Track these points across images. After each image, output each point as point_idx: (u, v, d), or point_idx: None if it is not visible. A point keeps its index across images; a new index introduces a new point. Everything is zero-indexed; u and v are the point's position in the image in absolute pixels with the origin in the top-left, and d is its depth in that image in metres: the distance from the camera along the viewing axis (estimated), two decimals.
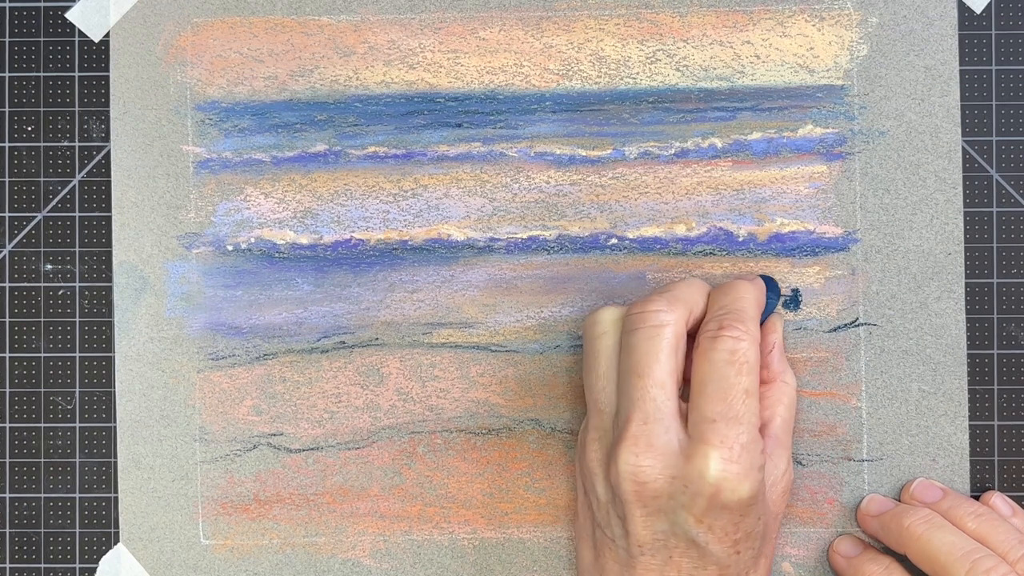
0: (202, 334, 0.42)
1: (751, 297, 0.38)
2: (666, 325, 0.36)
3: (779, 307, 0.41)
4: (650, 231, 0.42)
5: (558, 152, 0.42)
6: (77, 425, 0.42)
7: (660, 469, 0.35)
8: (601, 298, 0.42)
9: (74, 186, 0.42)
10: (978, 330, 0.42)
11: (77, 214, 0.42)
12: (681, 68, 0.42)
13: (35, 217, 0.42)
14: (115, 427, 0.42)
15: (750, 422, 0.35)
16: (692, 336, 0.38)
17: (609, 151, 0.42)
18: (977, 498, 0.41)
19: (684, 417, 0.36)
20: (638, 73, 0.42)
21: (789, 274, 0.42)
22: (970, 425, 0.42)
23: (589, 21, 0.42)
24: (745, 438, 0.35)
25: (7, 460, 0.42)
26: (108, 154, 0.42)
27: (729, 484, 0.34)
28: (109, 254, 0.42)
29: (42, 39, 0.43)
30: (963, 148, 0.42)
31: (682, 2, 0.42)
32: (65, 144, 0.42)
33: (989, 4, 0.42)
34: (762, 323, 0.39)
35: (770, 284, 0.41)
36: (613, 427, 0.36)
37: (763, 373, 0.39)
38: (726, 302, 0.37)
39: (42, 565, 0.42)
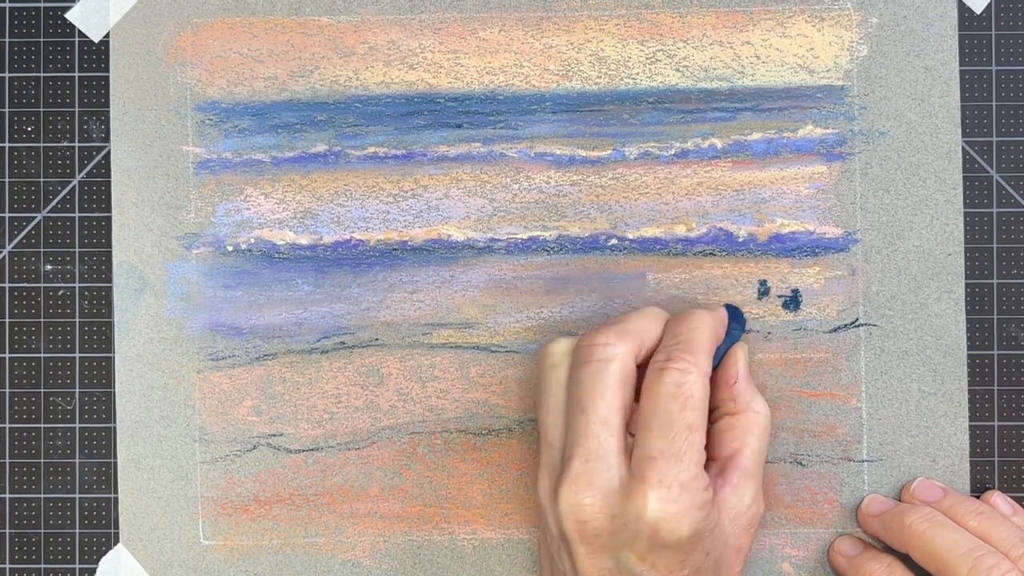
0: (202, 334, 0.42)
1: (705, 327, 0.37)
2: (613, 359, 0.35)
3: (744, 336, 0.40)
4: (650, 231, 0.42)
5: (558, 152, 0.42)
6: (77, 425, 0.42)
7: (600, 508, 0.34)
8: (601, 298, 0.42)
9: (74, 186, 0.42)
10: (978, 330, 0.42)
11: (77, 214, 0.42)
12: (681, 68, 0.42)
13: (35, 217, 0.42)
14: (115, 427, 0.42)
15: (692, 459, 0.34)
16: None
17: (609, 151, 0.42)
18: (977, 498, 0.41)
19: (631, 452, 0.35)
20: (638, 73, 0.42)
21: (789, 274, 0.42)
22: (970, 425, 0.42)
23: (589, 21, 0.42)
24: (685, 476, 0.34)
25: (7, 460, 0.42)
26: (108, 154, 0.42)
27: (667, 524, 0.34)
28: (109, 254, 0.42)
29: (42, 39, 0.43)
30: (963, 148, 0.42)
31: (682, 2, 0.42)
32: (65, 144, 0.42)
33: (989, 4, 0.42)
34: (725, 353, 0.39)
35: (735, 314, 0.40)
36: (560, 464, 0.36)
37: (730, 405, 0.38)
38: (679, 331, 0.37)
39: (42, 565, 0.42)
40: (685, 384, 0.35)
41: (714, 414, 0.39)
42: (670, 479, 0.34)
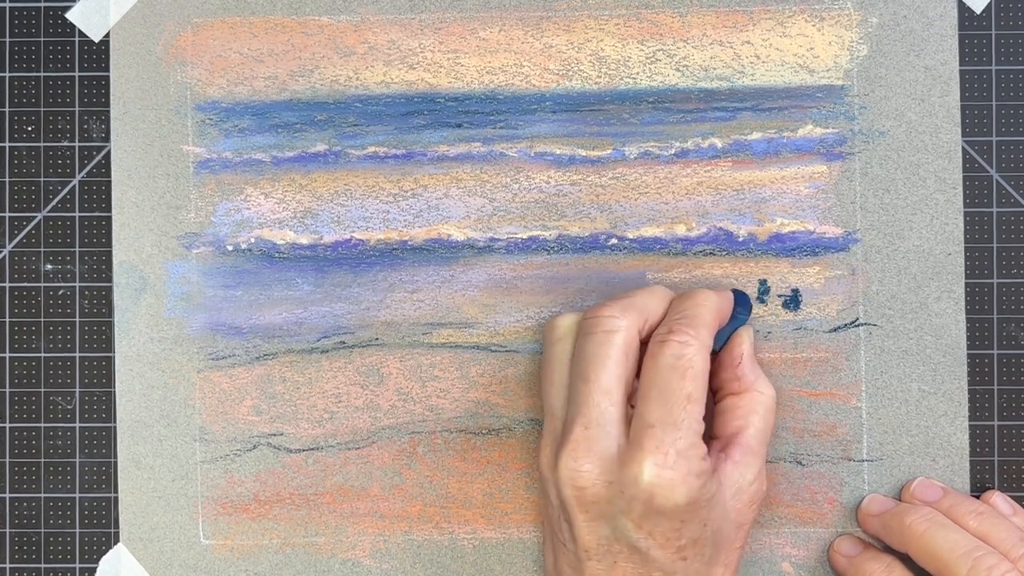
0: (202, 334, 0.42)
1: (710, 305, 0.37)
2: (617, 331, 0.36)
3: (750, 321, 0.40)
4: (650, 231, 0.42)
5: (558, 152, 0.42)
6: (77, 425, 0.42)
7: (598, 474, 0.35)
8: (601, 298, 0.42)
9: (74, 186, 0.42)
10: (978, 330, 0.42)
11: (77, 214, 0.42)
12: (681, 68, 0.42)
13: (35, 217, 0.42)
14: (115, 427, 0.42)
15: (690, 428, 0.35)
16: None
17: (609, 151, 0.42)
18: (977, 498, 0.41)
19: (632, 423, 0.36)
20: (638, 73, 0.42)
21: (789, 274, 0.42)
22: (970, 425, 0.42)
23: (589, 21, 0.42)
24: (682, 444, 0.34)
25: (7, 460, 0.42)
26: (108, 154, 0.42)
27: (663, 490, 0.34)
28: (109, 254, 0.42)
29: (42, 39, 0.43)
30: (963, 148, 0.42)
31: (682, 2, 0.42)
32: (65, 144, 0.42)
33: (989, 4, 0.42)
34: (730, 336, 0.39)
35: (741, 299, 0.40)
36: (561, 432, 0.36)
37: (734, 384, 0.39)
38: (683, 307, 0.37)
39: (42, 565, 0.42)
40: (685, 356, 0.35)
41: (719, 394, 0.39)
42: (667, 446, 0.34)
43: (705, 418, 0.36)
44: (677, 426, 0.35)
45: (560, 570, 0.37)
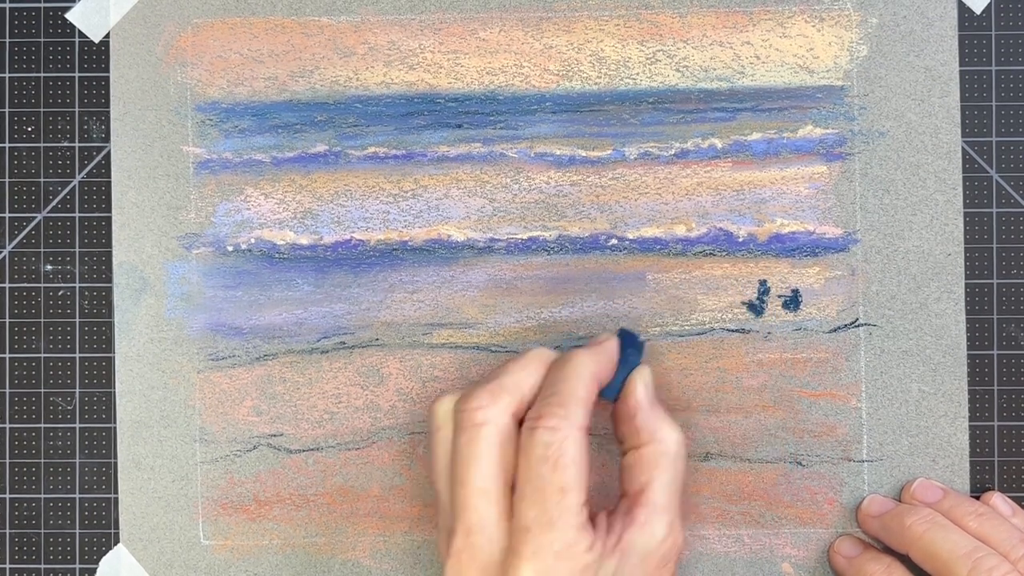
0: (202, 334, 0.42)
1: (582, 372, 0.35)
2: (486, 424, 0.34)
3: (644, 360, 0.39)
4: (650, 232, 0.42)
5: (558, 153, 0.42)
6: (77, 425, 0.42)
7: None
8: (601, 298, 0.42)
9: (74, 186, 0.42)
10: (978, 330, 0.42)
11: (77, 214, 0.42)
12: (681, 69, 0.42)
13: (35, 217, 0.42)
14: (115, 427, 0.42)
15: (567, 524, 0.33)
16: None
17: (609, 152, 0.42)
18: (977, 498, 0.41)
19: None
20: (638, 74, 0.42)
21: (789, 275, 0.42)
22: (970, 425, 0.42)
23: (589, 22, 0.42)
24: (559, 545, 0.33)
25: (7, 460, 0.42)
26: (108, 154, 0.42)
27: None
28: (109, 254, 0.42)
29: (42, 39, 0.43)
30: (963, 148, 0.42)
31: (682, 2, 0.42)
32: (65, 144, 0.42)
33: (989, 4, 0.42)
34: (623, 384, 0.37)
35: (629, 340, 0.38)
36: (446, 536, 0.35)
37: (634, 438, 0.36)
38: (554, 381, 0.35)
39: (42, 565, 0.42)
40: (554, 443, 0.34)
41: (622, 447, 0.37)
42: (543, 550, 0.33)
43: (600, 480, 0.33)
44: (553, 525, 0.33)
45: None
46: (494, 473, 0.34)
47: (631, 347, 0.38)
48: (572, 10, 0.42)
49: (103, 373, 0.42)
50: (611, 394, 0.37)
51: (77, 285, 0.42)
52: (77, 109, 0.42)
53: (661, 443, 0.36)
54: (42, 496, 0.42)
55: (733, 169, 0.42)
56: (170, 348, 0.42)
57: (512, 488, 0.34)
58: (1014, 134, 0.42)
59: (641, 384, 0.37)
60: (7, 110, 0.43)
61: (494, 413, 0.34)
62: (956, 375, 0.41)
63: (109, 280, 0.42)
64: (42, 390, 0.42)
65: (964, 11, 0.42)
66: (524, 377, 0.36)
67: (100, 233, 0.42)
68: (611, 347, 0.37)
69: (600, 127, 0.42)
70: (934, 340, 0.41)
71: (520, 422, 0.35)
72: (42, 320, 0.42)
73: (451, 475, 0.35)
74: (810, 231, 0.42)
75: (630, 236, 0.42)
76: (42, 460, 0.42)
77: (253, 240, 0.42)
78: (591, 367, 0.36)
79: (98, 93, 0.42)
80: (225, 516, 0.42)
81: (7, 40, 0.43)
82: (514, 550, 0.33)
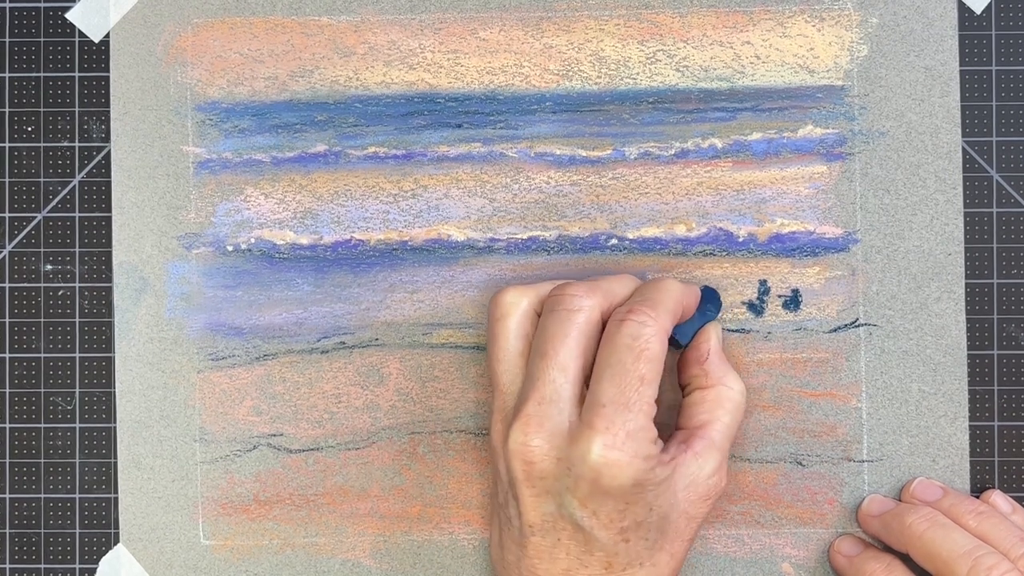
0: (202, 334, 0.42)
1: (674, 292, 0.37)
2: (580, 310, 0.36)
3: (719, 318, 0.41)
4: (650, 231, 0.42)
5: (558, 152, 0.42)
6: (77, 425, 0.42)
7: (547, 450, 0.35)
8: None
9: (74, 186, 0.42)
10: (978, 330, 0.42)
11: (77, 214, 0.42)
12: (681, 68, 0.42)
13: (35, 217, 0.42)
14: (115, 427, 0.42)
15: (641, 410, 0.35)
16: None
17: (609, 151, 0.42)
18: (977, 498, 0.41)
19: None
20: (638, 73, 0.42)
21: (789, 274, 0.42)
22: (970, 425, 0.42)
23: (589, 21, 0.42)
24: (632, 425, 0.34)
25: (7, 460, 0.42)
26: (108, 154, 0.42)
27: (609, 470, 0.34)
28: (109, 254, 0.42)
29: (42, 39, 0.43)
30: (963, 148, 0.42)
31: (682, 2, 0.42)
32: (65, 144, 0.42)
33: (989, 4, 0.42)
34: (697, 331, 0.39)
35: (711, 296, 0.40)
36: (514, 407, 0.36)
37: (701, 380, 0.39)
38: (644, 290, 0.37)
39: (42, 565, 0.42)
40: (642, 336, 0.35)
41: (686, 388, 0.39)
42: (616, 427, 0.34)
43: (668, 408, 0.35)
44: (628, 407, 0.34)
45: (504, 546, 0.37)
46: (577, 354, 0.36)
47: (711, 302, 0.40)
48: (572, 10, 0.42)
49: (103, 373, 0.42)
50: (685, 337, 0.39)
51: (77, 285, 0.42)
52: (77, 109, 0.42)
53: (729, 388, 0.38)
54: (42, 496, 0.42)
55: (733, 169, 0.42)
56: (170, 348, 0.42)
57: (586, 381, 0.36)
58: (1014, 134, 0.42)
59: (715, 333, 0.39)
60: (7, 110, 0.42)
61: (588, 303, 0.36)
62: (956, 375, 0.41)
63: (109, 280, 0.42)
64: (42, 390, 0.42)
65: (964, 11, 0.42)
66: (619, 287, 0.38)
67: (100, 233, 0.42)
68: (696, 291, 0.40)
69: (600, 127, 0.42)
70: (934, 340, 0.42)
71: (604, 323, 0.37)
72: (42, 320, 0.42)
73: (533, 349, 0.36)
74: (810, 231, 0.42)
75: (630, 236, 0.42)
76: (42, 460, 0.42)
77: (253, 240, 0.42)
78: (679, 292, 0.38)
79: (98, 93, 0.42)
80: (225, 516, 0.42)
81: (7, 40, 0.43)
82: (587, 422, 0.34)
